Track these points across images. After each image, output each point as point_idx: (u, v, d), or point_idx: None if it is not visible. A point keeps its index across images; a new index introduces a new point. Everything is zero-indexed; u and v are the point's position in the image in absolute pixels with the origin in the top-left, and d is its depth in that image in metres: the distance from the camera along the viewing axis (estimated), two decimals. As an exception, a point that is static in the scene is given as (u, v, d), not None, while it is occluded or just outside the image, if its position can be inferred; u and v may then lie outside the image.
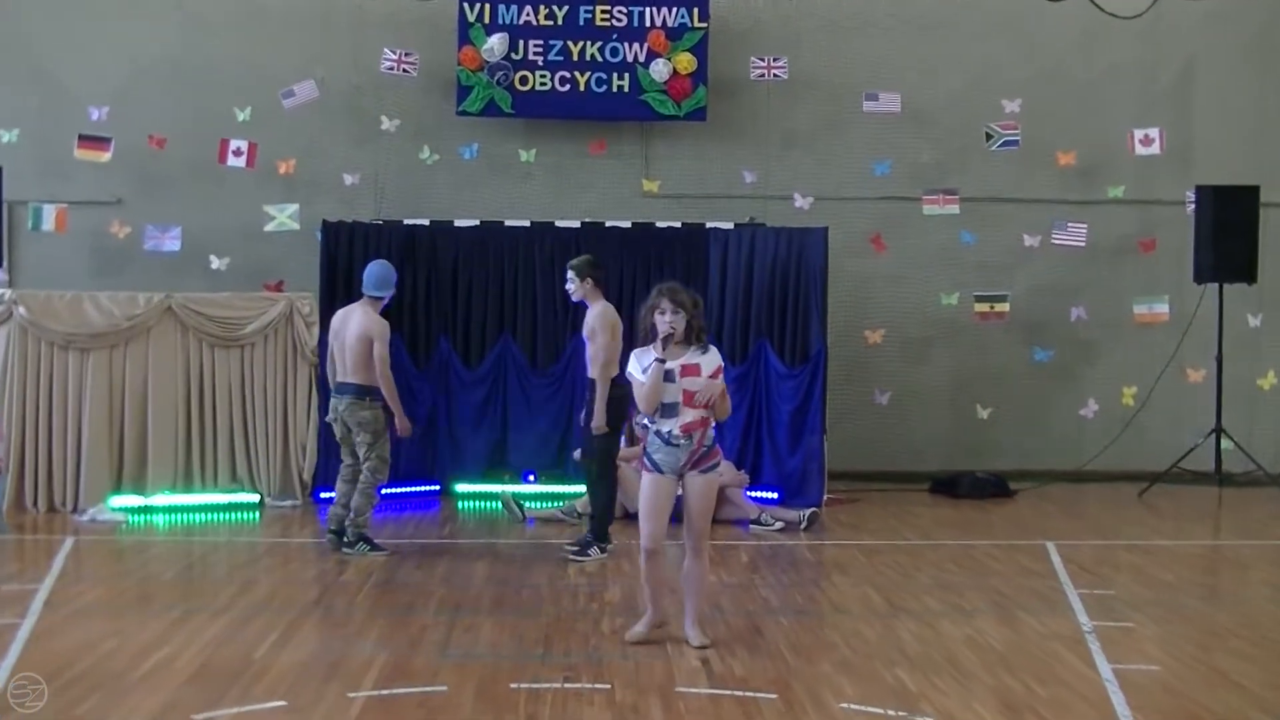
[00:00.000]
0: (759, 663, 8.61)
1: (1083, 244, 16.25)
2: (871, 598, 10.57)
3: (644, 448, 9.06)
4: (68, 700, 7.65)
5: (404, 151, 16.35)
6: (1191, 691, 8.11)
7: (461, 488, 15.06)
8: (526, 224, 15.52)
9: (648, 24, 16.25)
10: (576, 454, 13.62)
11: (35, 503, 13.96)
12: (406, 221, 15.46)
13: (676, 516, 9.13)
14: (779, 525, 13.47)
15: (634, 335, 9.22)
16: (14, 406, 13.93)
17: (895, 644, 9.12)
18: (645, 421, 9.04)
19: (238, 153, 15.51)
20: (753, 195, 16.47)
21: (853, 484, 15.73)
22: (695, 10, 16.28)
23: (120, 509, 13.84)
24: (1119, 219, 16.89)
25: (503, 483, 14.77)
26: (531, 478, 15.01)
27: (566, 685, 8.06)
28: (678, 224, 15.68)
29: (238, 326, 14.38)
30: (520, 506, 13.92)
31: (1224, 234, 15.99)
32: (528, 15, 16.19)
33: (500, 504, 14.16)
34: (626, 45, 16.28)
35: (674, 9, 16.25)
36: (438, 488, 15.11)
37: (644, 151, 16.82)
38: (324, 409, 13.05)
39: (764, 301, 14.86)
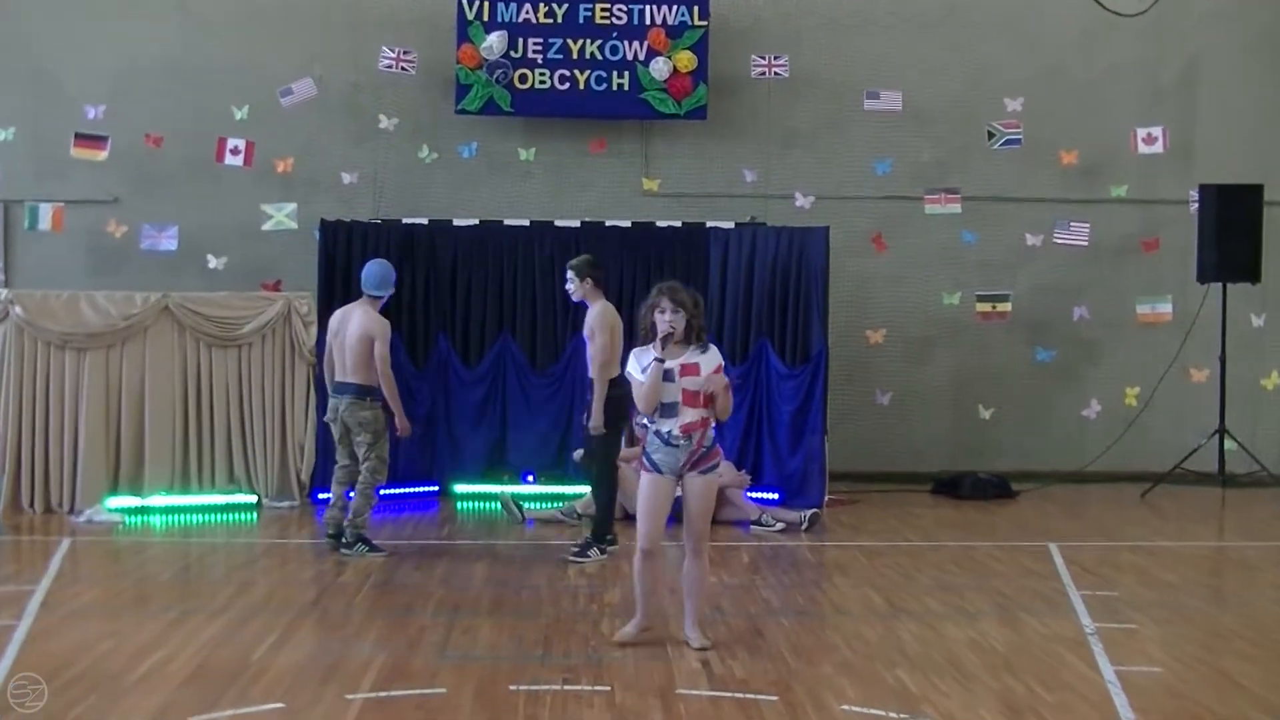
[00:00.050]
0: (760, 664, 8.59)
1: (1085, 243, 16.22)
2: (873, 599, 10.54)
3: (643, 448, 9.01)
4: (64, 702, 7.61)
5: (402, 150, 16.32)
6: (1195, 693, 8.08)
7: (460, 488, 15.05)
8: (526, 223, 15.52)
9: (648, 22, 16.22)
10: (576, 454, 13.64)
11: (32, 503, 13.94)
12: (405, 220, 15.46)
13: (676, 518, 9.10)
14: (780, 526, 13.43)
15: (634, 335, 9.17)
16: (10, 407, 13.92)
17: (897, 646, 9.09)
18: (645, 421, 8.99)
19: (235, 151, 15.46)
20: (753, 194, 16.45)
21: (854, 485, 15.70)
22: (695, 8, 16.25)
23: (117, 510, 13.82)
24: (1122, 218, 16.85)
25: (502, 483, 14.76)
26: (531, 478, 15.00)
27: (566, 687, 8.03)
28: (678, 223, 15.68)
29: (235, 326, 14.34)
30: (519, 507, 13.89)
31: (1227, 233, 15.97)
32: (527, 13, 16.16)
33: (499, 505, 14.12)
34: (626, 43, 16.25)
35: (674, 7, 16.22)
36: (436, 488, 15.09)
37: (644, 150, 16.78)
38: (322, 409, 13.00)
39: (765, 301, 14.83)
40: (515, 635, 9.27)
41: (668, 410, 8.79)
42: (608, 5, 16.22)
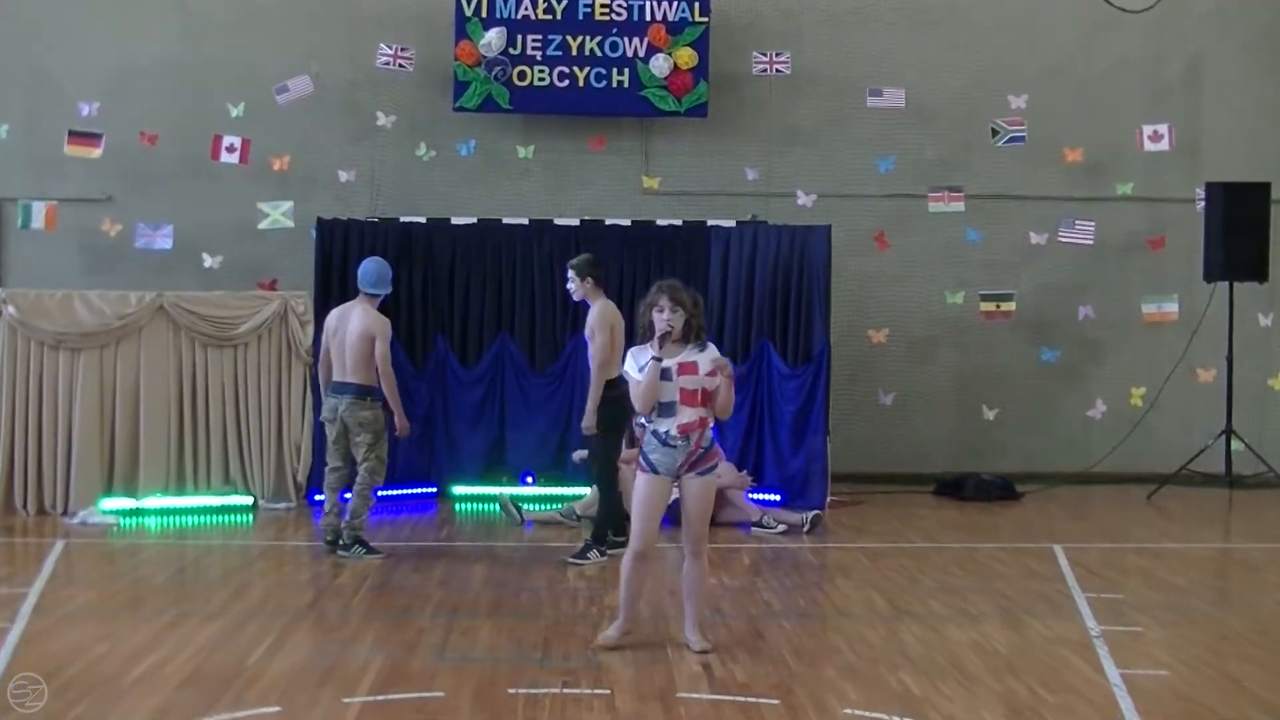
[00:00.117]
0: (761, 667, 8.55)
1: (1090, 242, 16.17)
2: (875, 601, 10.52)
3: (640, 448, 8.92)
4: (59, 705, 7.58)
5: (400, 148, 16.26)
6: (1201, 697, 8.05)
7: (459, 489, 15.00)
8: (525, 221, 15.49)
9: (648, 18, 16.17)
10: (576, 455, 13.64)
11: (25, 505, 13.88)
12: (403, 219, 15.43)
13: (675, 520, 9.05)
14: (781, 528, 13.38)
15: (635, 334, 9.11)
16: (3, 407, 13.87)
17: (899, 648, 9.07)
18: (643, 421, 8.92)
19: (231, 149, 15.39)
20: (754, 192, 16.42)
21: (856, 486, 15.65)
22: (696, 5, 16.19)
23: (111, 511, 13.75)
24: (1127, 216, 16.79)
25: (501, 484, 14.75)
26: (530, 479, 14.97)
27: (565, 690, 8.02)
28: (678, 222, 15.66)
29: (231, 326, 14.28)
30: (518, 509, 13.87)
31: (1234, 231, 15.91)
32: (526, 9, 16.11)
33: (498, 506, 14.10)
34: (626, 40, 16.19)
35: (675, 3, 16.17)
36: (435, 489, 15.04)
37: (644, 148, 16.73)
38: (318, 409, 12.90)
39: (766, 300, 14.79)
40: (514, 638, 9.24)
41: (665, 410, 8.74)
42: (607, 1, 16.16)
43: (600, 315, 11.86)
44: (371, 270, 12.10)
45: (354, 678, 8.20)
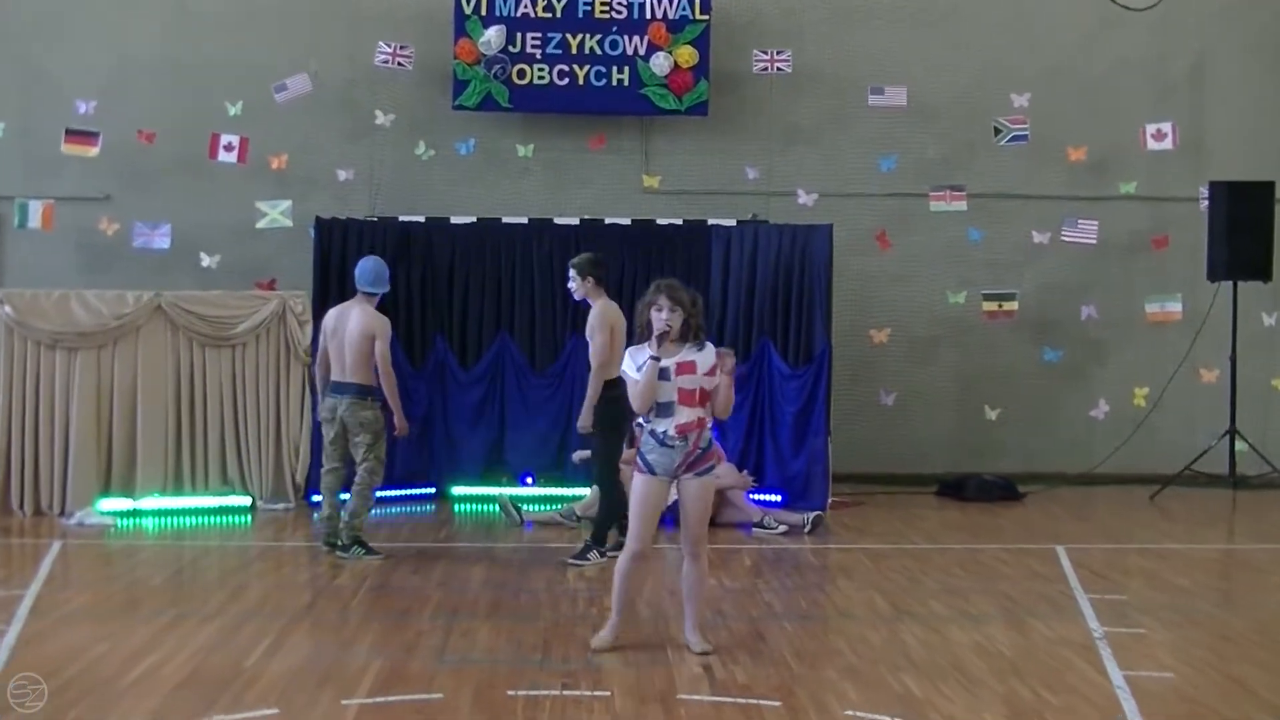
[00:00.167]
0: (762, 669, 8.53)
1: (1093, 241, 16.10)
2: (877, 603, 10.49)
3: (637, 448, 8.88)
4: (55, 707, 7.55)
5: (399, 147, 16.21)
6: (1205, 699, 8.03)
7: (458, 490, 14.98)
8: (524, 221, 15.46)
9: (648, 16, 16.14)
10: (576, 456, 13.58)
11: (21, 506, 13.85)
12: (402, 218, 15.41)
13: (676, 520, 9.03)
14: (782, 529, 13.34)
15: (634, 333, 9.07)
16: (0, 407, 13.82)
17: (901, 650, 9.05)
18: (641, 421, 8.87)
19: (229, 148, 15.34)
20: (755, 191, 16.36)
21: (857, 486, 15.64)
22: (697, 3, 16.16)
23: (109, 512, 13.71)
24: (1130, 215, 16.76)
25: (500, 485, 14.73)
26: (529, 480, 14.95)
27: (565, 692, 7.99)
28: (679, 221, 15.62)
29: (229, 326, 14.25)
30: (518, 509, 13.85)
31: (1238, 231, 15.87)
32: (525, 7, 16.08)
33: (497, 507, 14.07)
34: (626, 38, 16.16)
35: (675, 1, 16.14)
36: (434, 490, 15.01)
37: (644, 147, 16.71)
38: (316, 409, 12.86)
39: (767, 300, 14.75)
40: (514, 639, 9.21)
41: (663, 410, 8.69)
42: (607, -1, 16.17)
43: (601, 315, 11.84)
44: (369, 269, 12.06)
45: (353, 679, 8.17)
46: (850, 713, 7.63)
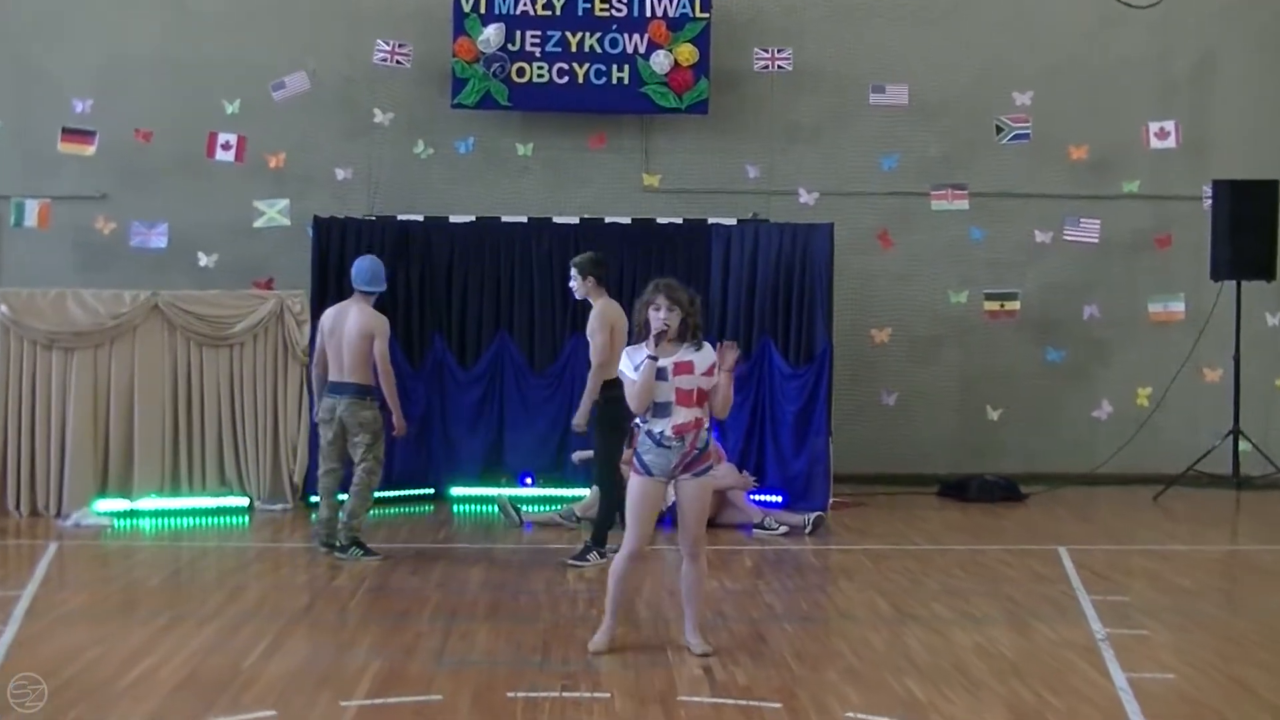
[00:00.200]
0: (763, 671, 8.49)
1: (1096, 240, 16.10)
2: (878, 604, 10.45)
3: (634, 449, 8.85)
4: (52, 710, 7.53)
5: (398, 145, 16.19)
6: (1208, 701, 8.00)
7: (457, 491, 14.97)
8: (523, 220, 15.45)
9: (648, 14, 16.12)
10: (576, 456, 13.55)
11: (18, 506, 13.83)
12: (400, 217, 15.40)
13: (673, 521, 8.99)
14: (783, 529, 13.31)
15: (634, 333, 9.07)
16: (-4, 407, 13.85)
17: (903, 652, 9.02)
18: (638, 421, 8.83)
19: (226, 146, 15.38)
20: (756, 190, 16.33)
21: (859, 487, 15.61)
22: (697, 0, 16.13)
23: (105, 513, 13.69)
24: (1133, 214, 16.72)
25: (499, 485, 14.72)
26: (529, 480, 14.92)
27: (565, 694, 7.97)
28: (679, 220, 15.61)
29: (226, 325, 14.22)
30: (517, 510, 13.83)
31: (1242, 229, 15.87)
32: (525, 5, 16.06)
33: (496, 508, 14.04)
34: (626, 36, 16.14)
35: (675, -1, 16.12)
36: (432, 491, 14.98)
37: (644, 145, 16.67)
38: (314, 409, 12.80)
39: (768, 299, 14.71)
40: (513, 641, 9.18)
41: (660, 410, 8.65)
42: (607, -3, 16.17)
43: (601, 314, 11.82)
44: (365, 268, 12.03)
45: (351, 681, 8.14)
46: (851, 715, 7.61)
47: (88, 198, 16.02)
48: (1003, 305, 16.11)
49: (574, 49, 16.06)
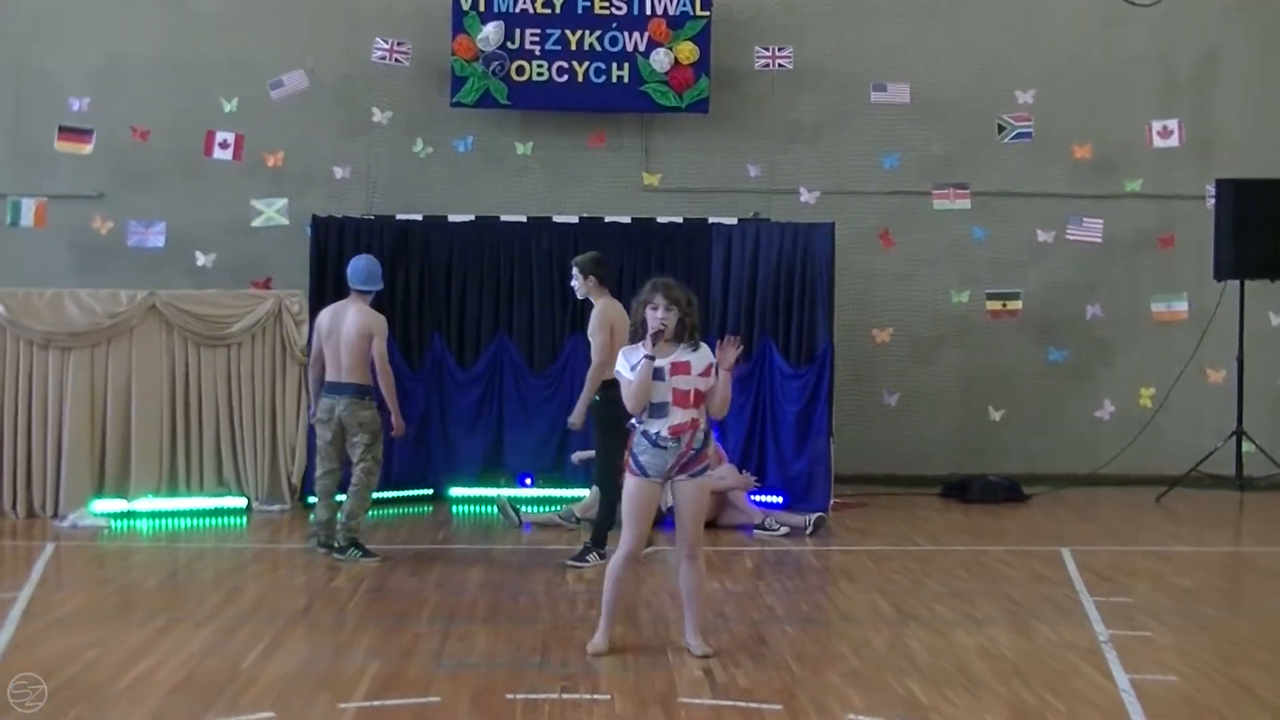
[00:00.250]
0: (764, 673, 8.48)
1: (1099, 240, 16.09)
2: (880, 605, 10.43)
3: (630, 449, 8.81)
4: (49, 711, 7.52)
5: (396, 144, 16.17)
6: (1210, 703, 7.98)
7: (456, 491, 14.94)
8: (523, 219, 15.42)
9: (648, 12, 16.09)
10: (576, 457, 13.52)
11: (14, 507, 13.81)
12: (399, 216, 15.38)
13: (673, 522, 8.95)
14: (784, 530, 13.27)
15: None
16: (-8, 407, 13.84)
17: (905, 653, 9.00)
18: (634, 421, 8.79)
19: (224, 145, 15.35)
20: (757, 189, 16.28)
21: (860, 488, 15.60)
22: (698, -1, 16.15)
23: (102, 514, 13.68)
24: (1136, 214, 16.69)
25: (498, 486, 14.71)
26: (528, 481, 14.90)
27: (564, 696, 7.97)
28: (679, 219, 15.58)
29: (224, 325, 14.19)
30: (516, 511, 13.80)
31: (1245, 229, 15.82)
32: (524, 3, 16.03)
33: (496, 508, 14.02)
34: (626, 34, 16.11)
35: (676, -3, 16.13)
36: (431, 492, 14.95)
37: (644, 144, 16.64)
38: (312, 409, 12.76)
39: (768, 299, 14.68)
40: (512, 642, 9.16)
41: (657, 411, 8.63)
42: (607, -5, 16.15)
43: (602, 314, 11.82)
44: (361, 267, 12.00)
45: (349, 683, 8.12)
46: (853, 717, 7.60)
47: (84, 197, 15.98)
48: (1005, 305, 16.08)
49: (574, 47, 16.02)
